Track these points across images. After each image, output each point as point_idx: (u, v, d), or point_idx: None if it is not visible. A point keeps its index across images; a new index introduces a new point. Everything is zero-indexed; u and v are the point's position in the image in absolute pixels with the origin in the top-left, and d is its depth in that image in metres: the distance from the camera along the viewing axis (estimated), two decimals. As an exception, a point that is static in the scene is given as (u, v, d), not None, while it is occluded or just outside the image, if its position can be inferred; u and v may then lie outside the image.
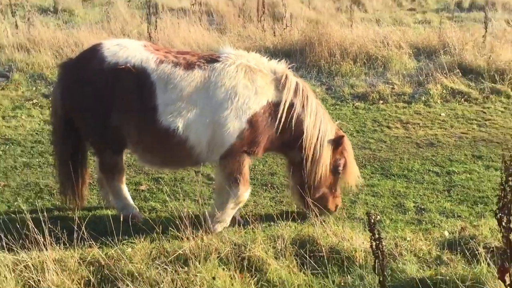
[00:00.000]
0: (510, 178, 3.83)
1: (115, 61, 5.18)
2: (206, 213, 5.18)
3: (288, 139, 5.37)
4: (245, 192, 5.32)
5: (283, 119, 5.25)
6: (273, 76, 5.34)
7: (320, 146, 5.37)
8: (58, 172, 5.68)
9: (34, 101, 9.17)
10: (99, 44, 5.44)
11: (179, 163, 5.68)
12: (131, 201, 5.72)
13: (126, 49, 5.28)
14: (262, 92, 5.22)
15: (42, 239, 4.45)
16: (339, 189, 5.74)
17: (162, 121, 5.09)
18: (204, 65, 5.23)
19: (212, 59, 5.31)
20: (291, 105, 5.28)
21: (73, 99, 5.36)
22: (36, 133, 8.00)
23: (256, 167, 6.86)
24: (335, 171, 5.55)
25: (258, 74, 5.27)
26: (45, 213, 4.62)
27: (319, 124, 5.38)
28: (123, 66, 5.15)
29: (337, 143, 5.50)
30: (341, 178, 5.68)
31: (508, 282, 3.82)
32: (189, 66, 5.20)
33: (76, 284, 4.26)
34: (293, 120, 5.30)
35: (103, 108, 5.21)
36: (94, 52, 5.34)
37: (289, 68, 5.53)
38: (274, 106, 5.25)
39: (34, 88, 9.66)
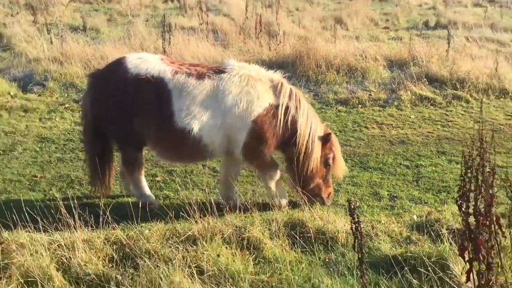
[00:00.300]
0: (468, 171, 3.83)
1: (137, 72, 5.17)
2: (269, 199, 5.56)
3: (287, 137, 5.38)
4: (276, 171, 5.52)
5: (282, 120, 5.27)
6: (271, 84, 5.37)
7: (312, 142, 5.39)
8: (88, 166, 5.66)
9: (66, 105, 9.15)
10: (123, 57, 5.43)
11: (192, 159, 5.68)
12: (149, 190, 5.71)
13: (146, 62, 5.26)
14: (263, 97, 5.25)
15: (73, 222, 4.45)
16: (330, 180, 5.73)
17: (178, 123, 5.09)
18: (213, 76, 5.24)
19: (219, 70, 5.33)
20: (287, 108, 5.31)
21: (100, 105, 5.36)
22: (68, 133, 7.98)
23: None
24: (326, 163, 5.55)
25: (258, 82, 5.29)
26: (75, 201, 4.61)
27: (310, 123, 5.40)
28: (144, 77, 5.13)
29: (325, 139, 5.50)
30: (332, 172, 5.69)
31: (467, 258, 3.83)
32: (200, 76, 5.21)
33: (102, 261, 4.26)
34: (289, 120, 5.32)
35: (127, 112, 5.20)
36: (119, 65, 5.33)
37: (283, 77, 5.54)
38: (275, 108, 5.27)
39: (66, 95, 9.64)
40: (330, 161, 5.56)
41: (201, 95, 5.14)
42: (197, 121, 5.10)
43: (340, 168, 5.69)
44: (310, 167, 5.43)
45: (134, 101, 5.16)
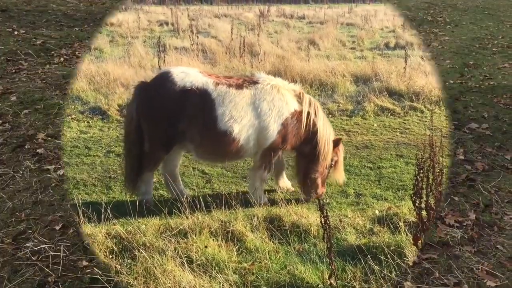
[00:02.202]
0: (421, 171, 3.89)
1: (183, 84, 5.14)
2: (250, 194, 5.53)
3: (306, 138, 5.51)
4: (268, 174, 5.62)
5: (305, 123, 5.42)
6: (294, 93, 5.53)
7: (327, 143, 5.54)
8: (125, 167, 5.51)
9: (73, 116, 9.05)
10: (168, 72, 5.31)
11: (229, 158, 5.54)
12: (151, 190, 5.65)
13: (190, 75, 5.23)
14: (290, 103, 5.41)
15: (78, 219, 4.41)
16: (325, 181, 5.83)
17: (221, 127, 5.14)
18: (249, 86, 5.36)
19: (254, 81, 5.45)
20: (308, 113, 5.46)
21: (146, 113, 5.24)
22: (74, 140, 7.89)
23: (238, 164, 6.85)
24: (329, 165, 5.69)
25: (285, 91, 5.45)
26: (80, 200, 4.58)
27: (326, 127, 5.57)
28: (190, 88, 5.13)
29: (335, 143, 5.66)
30: (331, 175, 5.78)
31: (420, 246, 3.88)
32: (239, 86, 5.31)
33: (103, 252, 4.22)
34: (310, 124, 5.47)
35: (173, 118, 5.14)
36: (166, 78, 5.23)
37: (302, 88, 5.70)
38: (298, 113, 5.42)
39: (72, 106, 9.53)
40: (333, 163, 5.67)
41: (241, 102, 5.22)
42: (237, 124, 5.17)
43: (341, 173, 5.81)
44: (325, 164, 5.57)
45: (181, 109, 5.11)
